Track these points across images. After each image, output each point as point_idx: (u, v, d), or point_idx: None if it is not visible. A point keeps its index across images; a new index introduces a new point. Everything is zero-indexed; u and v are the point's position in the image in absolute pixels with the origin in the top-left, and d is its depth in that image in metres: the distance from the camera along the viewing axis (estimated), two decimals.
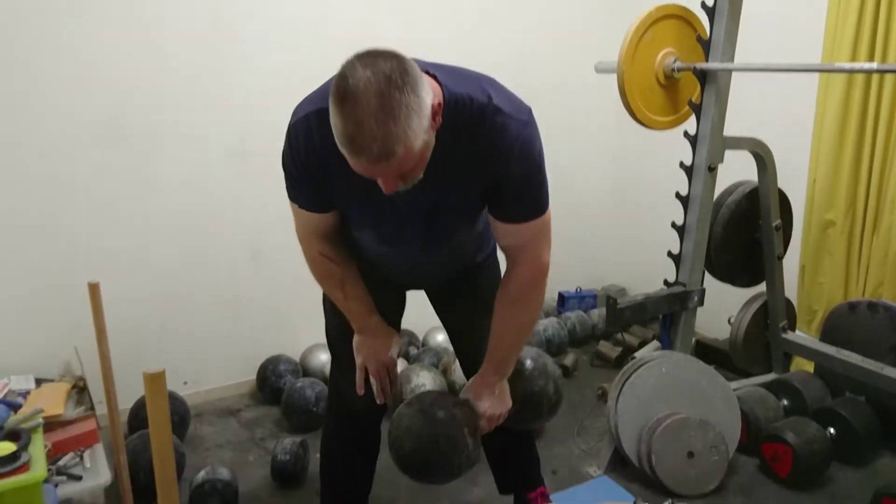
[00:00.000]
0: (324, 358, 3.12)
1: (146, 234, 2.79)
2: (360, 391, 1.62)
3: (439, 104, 1.20)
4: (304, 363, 3.12)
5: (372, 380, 1.63)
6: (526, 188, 1.40)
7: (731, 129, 2.48)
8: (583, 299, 3.83)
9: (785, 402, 2.65)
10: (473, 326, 1.72)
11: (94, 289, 1.76)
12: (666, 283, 2.58)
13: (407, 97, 1.09)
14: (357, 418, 1.76)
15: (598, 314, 3.69)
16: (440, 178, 1.32)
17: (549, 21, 3.53)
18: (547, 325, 3.45)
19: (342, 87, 1.09)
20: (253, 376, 3.09)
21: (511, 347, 1.61)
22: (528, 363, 1.72)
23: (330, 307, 1.69)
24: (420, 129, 1.13)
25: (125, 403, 2.51)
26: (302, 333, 3.16)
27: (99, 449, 2.32)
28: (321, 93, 1.30)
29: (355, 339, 1.62)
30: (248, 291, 3.06)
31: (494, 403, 1.62)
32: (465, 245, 1.65)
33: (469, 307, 1.73)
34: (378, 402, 1.66)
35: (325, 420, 1.89)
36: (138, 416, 2.59)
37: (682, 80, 2.50)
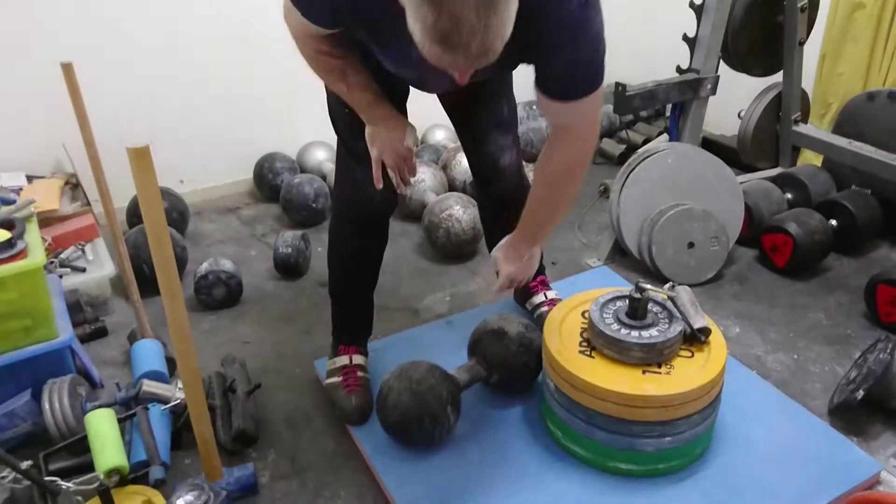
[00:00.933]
0: (320, 156, 3.05)
1: (128, 22, 2.60)
2: (379, 184, 1.52)
3: None
4: (301, 160, 3.06)
5: (390, 172, 1.53)
6: (579, 67, 1.24)
7: None
8: None
9: (789, 195, 2.62)
10: (471, 116, 1.66)
11: (67, 70, 1.63)
12: (679, 69, 2.44)
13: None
14: (371, 210, 1.69)
15: (603, 111, 3.56)
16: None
17: None
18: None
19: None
20: (250, 175, 3.04)
21: (546, 222, 1.58)
22: (514, 338, 1.67)
23: (335, 98, 1.56)
24: (513, 16, 0.99)
25: (121, 202, 2.48)
26: (297, 130, 3.07)
27: (100, 243, 2.33)
28: None
29: (367, 130, 1.50)
30: (239, 85, 2.91)
31: (520, 269, 1.62)
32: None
33: (471, 97, 1.61)
34: (398, 192, 1.60)
35: (334, 212, 1.83)
36: (136, 213, 2.57)
37: None
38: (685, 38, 2.41)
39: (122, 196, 2.36)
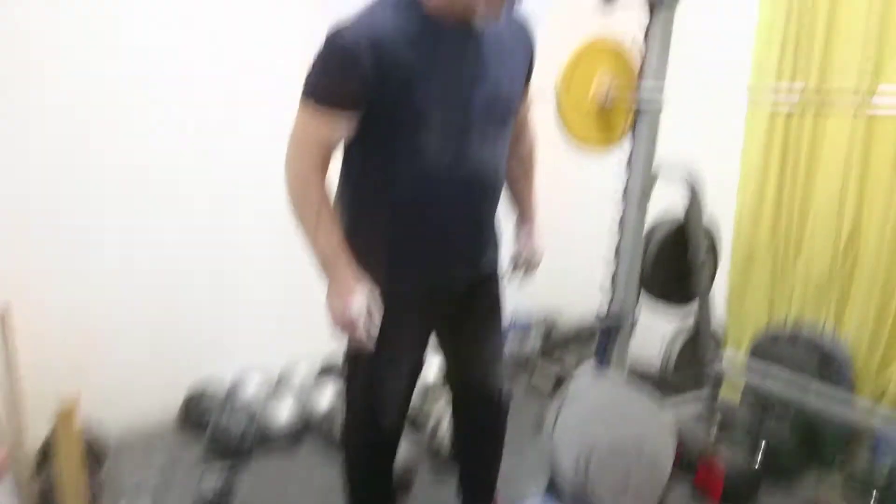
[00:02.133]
0: (251, 391, 2.99)
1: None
2: (367, 342, 1.59)
3: None
4: (231, 394, 2.99)
5: (360, 333, 1.56)
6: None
7: (664, 155, 2.53)
8: (518, 329, 3.82)
9: (716, 424, 2.70)
10: (477, 341, 1.91)
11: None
12: (599, 311, 2.60)
13: None
14: (385, 445, 1.85)
15: (533, 343, 3.70)
16: (494, 55, 1.61)
17: None
18: None
19: None
20: (177, 408, 2.94)
21: (534, 195, 2.01)
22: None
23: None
24: None
25: (36, 436, 2.34)
26: (229, 360, 3.04)
27: (7, 482, 2.14)
28: (366, 19, 1.48)
29: (329, 288, 1.56)
30: (169, 316, 2.92)
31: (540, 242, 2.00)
32: (504, 156, 1.77)
33: (481, 321, 1.90)
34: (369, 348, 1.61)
35: (348, 437, 1.90)
36: (48, 452, 2.41)
37: (618, 107, 2.55)
38: (605, 281, 2.61)
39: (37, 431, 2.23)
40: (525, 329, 3.84)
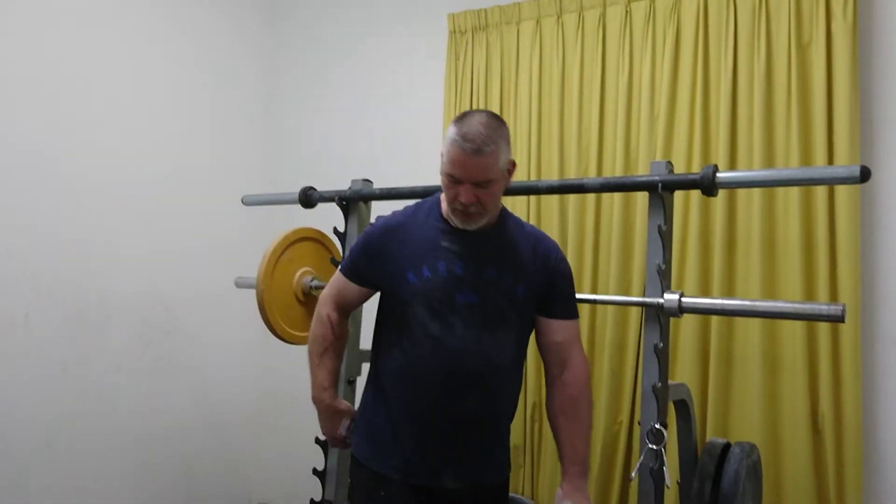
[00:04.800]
0: None
1: None
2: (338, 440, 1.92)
3: (513, 164, 1.69)
4: None
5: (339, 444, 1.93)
6: (570, 286, 1.80)
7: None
8: None
9: None
10: None
11: None
12: (312, 501, 2.48)
13: (502, 130, 1.63)
14: None
15: None
16: (493, 255, 1.71)
17: (188, 231, 3.44)
18: None
19: (462, 114, 1.64)
20: None
21: (587, 445, 1.71)
22: None
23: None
24: (505, 153, 1.63)
25: None
26: None
27: None
28: (397, 214, 1.81)
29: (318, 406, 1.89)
30: None
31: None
32: (506, 371, 1.72)
33: None
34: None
35: None
36: None
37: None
38: (315, 471, 2.52)
39: None
40: None
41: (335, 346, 1.88)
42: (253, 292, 2.46)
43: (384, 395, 1.75)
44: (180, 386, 3.31)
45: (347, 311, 1.91)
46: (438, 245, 1.70)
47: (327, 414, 1.90)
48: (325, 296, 1.89)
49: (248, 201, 2.90)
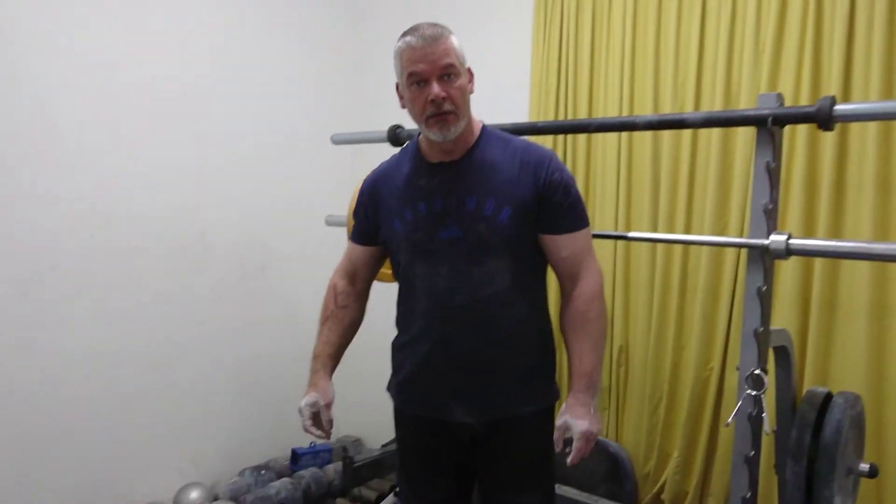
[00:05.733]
0: None
1: None
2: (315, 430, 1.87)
3: (472, 73, 1.66)
4: None
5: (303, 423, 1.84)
6: (571, 196, 1.64)
7: None
8: (317, 454, 3.62)
9: None
10: (510, 490, 1.73)
11: None
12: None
13: (450, 31, 1.61)
14: None
15: (334, 469, 3.51)
16: (472, 183, 1.63)
17: (282, 172, 3.54)
18: (279, 488, 3.19)
19: (410, 27, 1.60)
20: None
21: (597, 363, 1.63)
22: None
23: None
24: (459, 49, 1.61)
25: None
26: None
27: None
28: (381, 165, 1.82)
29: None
30: None
31: (592, 422, 1.59)
32: (502, 301, 1.65)
33: (506, 475, 1.73)
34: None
35: None
36: None
37: None
38: None
39: None
40: (325, 454, 3.65)
41: (337, 315, 1.85)
42: (344, 230, 2.49)
43: (398, 337, 1.84)
44: (275, 316, 3.48)
45: (357, 279, 1.88)
46: (418, 184, 1.68)
47: (312, 379, 1.84)
48: (336, 267, 1.90)
49: (337, 140, 2.93)
